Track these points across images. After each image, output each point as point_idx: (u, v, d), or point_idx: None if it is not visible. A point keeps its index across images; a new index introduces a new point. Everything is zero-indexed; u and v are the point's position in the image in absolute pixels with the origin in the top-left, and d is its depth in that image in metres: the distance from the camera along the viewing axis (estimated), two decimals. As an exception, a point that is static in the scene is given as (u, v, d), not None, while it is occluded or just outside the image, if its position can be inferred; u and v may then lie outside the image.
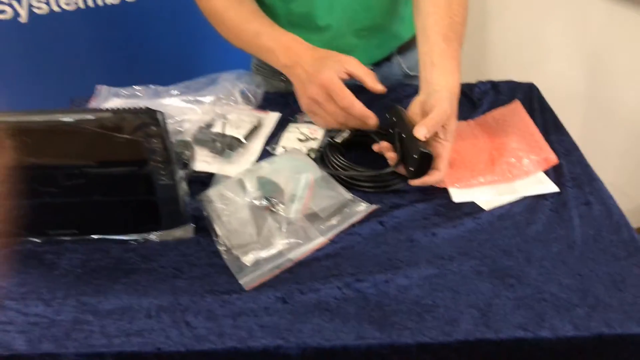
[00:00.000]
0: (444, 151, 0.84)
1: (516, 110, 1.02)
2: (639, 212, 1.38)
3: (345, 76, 0.90)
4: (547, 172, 0.89)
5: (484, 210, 0.83)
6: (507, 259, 0.75)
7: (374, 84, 0.92)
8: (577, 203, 0.84)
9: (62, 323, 0.67)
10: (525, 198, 0.85)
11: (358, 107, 0.89)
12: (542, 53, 1.70)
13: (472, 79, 1.16)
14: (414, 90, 0.94)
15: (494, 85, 1.14)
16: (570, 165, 0.91)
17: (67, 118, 0.67)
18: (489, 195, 0.85)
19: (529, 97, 1.10)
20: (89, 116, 0.67)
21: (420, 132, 0.81)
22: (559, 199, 0.85)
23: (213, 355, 0.64)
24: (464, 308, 0.68)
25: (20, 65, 1.61)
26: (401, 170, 0.87)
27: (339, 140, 0.92)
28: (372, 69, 1.12)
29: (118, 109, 0.68)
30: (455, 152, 0.89)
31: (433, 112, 0.83)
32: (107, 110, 0.67)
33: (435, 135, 0.84)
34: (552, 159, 0.90)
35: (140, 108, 0.68)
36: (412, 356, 0.65)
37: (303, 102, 0.96)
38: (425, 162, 0.83)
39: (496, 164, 0.89)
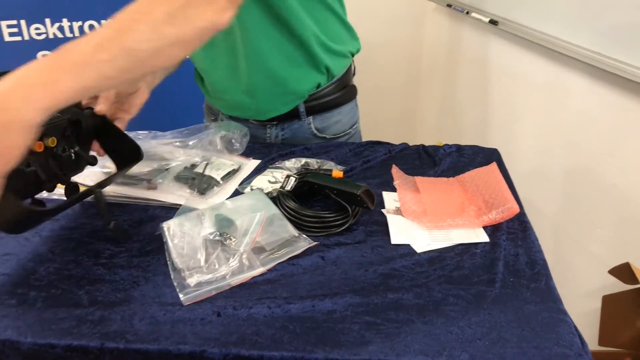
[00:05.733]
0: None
1: (490, 169, 1.12)
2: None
3: None
4: (486, 225, 0.97)
5: (418, 253, 0.91)
6: (427, 295, 0.82)
7: None
8: (506, 254, 0.91)
9: (26, 317, 0.78)
10: (458, 245, 0.93)
11: None
12: (533, 126, 1.80)
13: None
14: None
15: (459, 149, 1.23)
16: (509, 221, 0.99)
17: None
18: (425, 240, 0.93)
19: (490, 160, 1.19)
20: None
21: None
22: (490, 249, 0.92)
23: (146, 353, 0.74)
24: (376, 333, 0.76)
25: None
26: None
27: (288, 188, 1.03)
28: (276, 124, 1.29)
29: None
30: (432, 201, 1.02)
31: None
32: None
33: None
34: (515, 208, 0.98)
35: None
36: (321, 370, 0.73)
37: None
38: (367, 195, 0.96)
39: (465, 210, 0.99)
